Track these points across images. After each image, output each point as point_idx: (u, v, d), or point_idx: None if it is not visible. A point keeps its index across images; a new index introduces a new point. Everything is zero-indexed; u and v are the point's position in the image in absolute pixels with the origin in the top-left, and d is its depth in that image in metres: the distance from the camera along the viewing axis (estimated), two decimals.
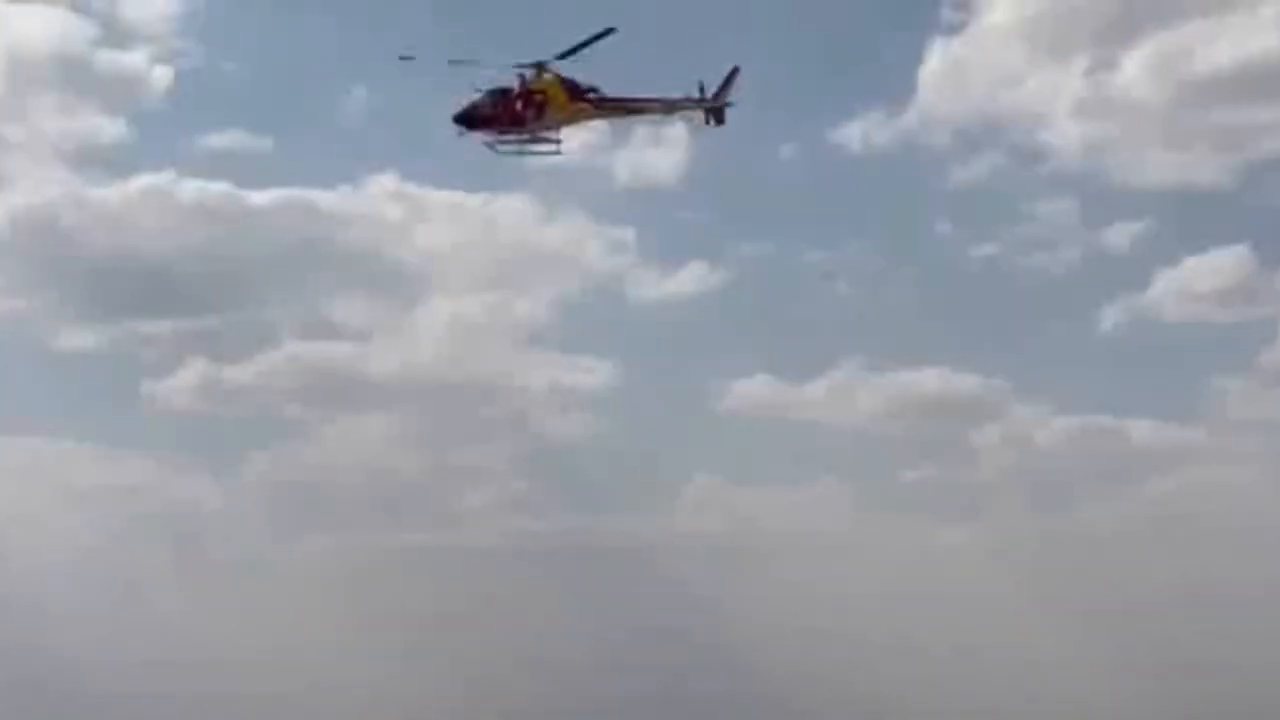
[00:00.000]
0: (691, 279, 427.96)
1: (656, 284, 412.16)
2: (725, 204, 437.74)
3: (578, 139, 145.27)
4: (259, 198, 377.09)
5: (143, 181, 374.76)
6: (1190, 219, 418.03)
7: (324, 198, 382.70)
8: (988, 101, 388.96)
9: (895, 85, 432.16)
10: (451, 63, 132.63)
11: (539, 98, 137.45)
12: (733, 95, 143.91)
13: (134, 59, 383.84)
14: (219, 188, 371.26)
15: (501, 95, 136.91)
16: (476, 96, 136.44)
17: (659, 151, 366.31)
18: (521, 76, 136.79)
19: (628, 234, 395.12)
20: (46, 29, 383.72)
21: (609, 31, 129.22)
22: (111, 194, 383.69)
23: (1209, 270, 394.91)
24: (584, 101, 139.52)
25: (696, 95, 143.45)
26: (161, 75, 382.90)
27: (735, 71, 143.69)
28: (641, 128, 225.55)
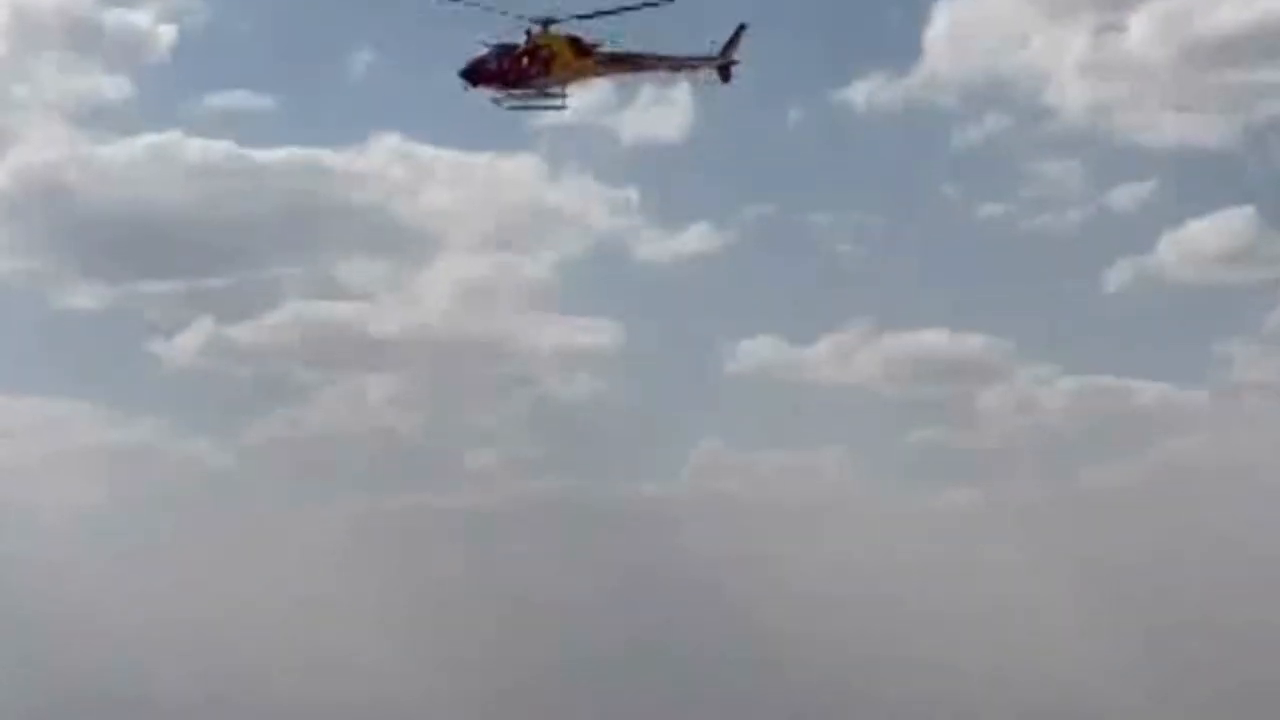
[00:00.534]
0: (696, 239, 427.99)
1: (661, 244, 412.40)
2: (730, 164, 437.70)
3: (583, 98, 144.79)
4: (264, 157, 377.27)
5: (147, 140, 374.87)
6: (1196, 180, 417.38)
7: (329, 157, 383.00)
8: (993, 62, 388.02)
9: (900, 46, 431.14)
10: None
11: (545, 54, 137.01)
12: (739, 54, 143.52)
13: (139, 17, 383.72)
14: (224, 147, 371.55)
15: (507, 51, 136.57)
16: (482, 52, 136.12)
17: (664, 111, 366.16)
18: (528, 32, 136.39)
19: (632, 194, 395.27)
20: None
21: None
22: (116, 153, 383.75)
23: (1215, 232, 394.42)
24: (590, 58, 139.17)
25: (703, 54, 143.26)
26: (166, 33, 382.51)
27: (742, 29, 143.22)
28: (647, 87, 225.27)
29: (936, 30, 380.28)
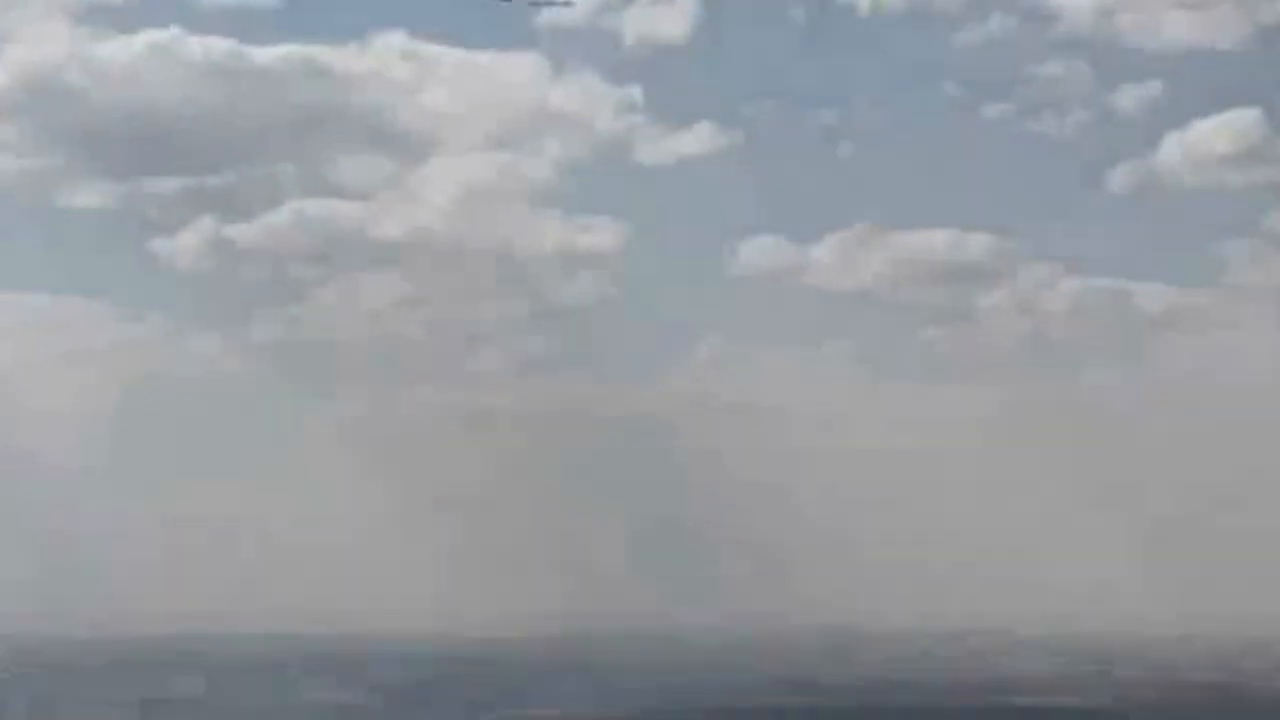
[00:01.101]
0: (699, 139, 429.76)
1: (664, 144, 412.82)
2: (733, 64, 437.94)
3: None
4: (265, 55, 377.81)
5: (147, 38, 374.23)
6: (1202, 82, 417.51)
7: (331, 55, 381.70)
8: None
9: None
10: None
11: None
12: None
13: None
14: (224, 45, 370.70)
15: None
16: None
17: (667, 11, 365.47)
18: None
19: (635, 94, 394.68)
20: None
21: None
22: (116, 50, 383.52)
23: (1220, 134, 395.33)
24: None
25: None
26: None
27: None
28: None
29: None
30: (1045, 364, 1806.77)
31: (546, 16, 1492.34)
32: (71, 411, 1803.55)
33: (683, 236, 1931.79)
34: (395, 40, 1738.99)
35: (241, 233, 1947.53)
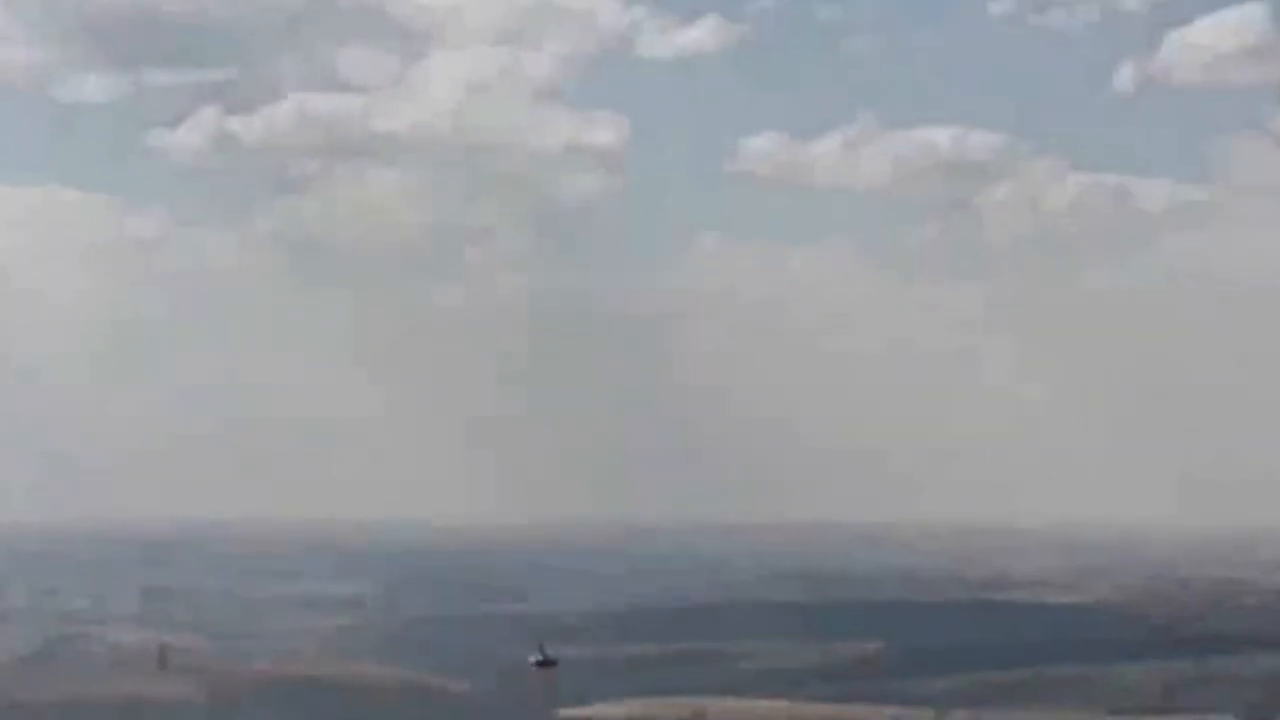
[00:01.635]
0: (705, 34, 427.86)
1: (669, 38, 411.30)
2: None
3: None
4: None
5: None
6: None
7: None
8: None
9: None
10: None
11: None
12: None
13: None
14: None
15: None
16: None
17: None
18: None
19: None
20: None
21: None
22: None
23: (1224, 31, 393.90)
24: None
25: None
26: None
27: None
28: None
29: None
30: (1047, 260, 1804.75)
31: None
32: (71, 302, 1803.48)
33: (685, 132, 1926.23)
34: None
35: (242, 126, 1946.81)
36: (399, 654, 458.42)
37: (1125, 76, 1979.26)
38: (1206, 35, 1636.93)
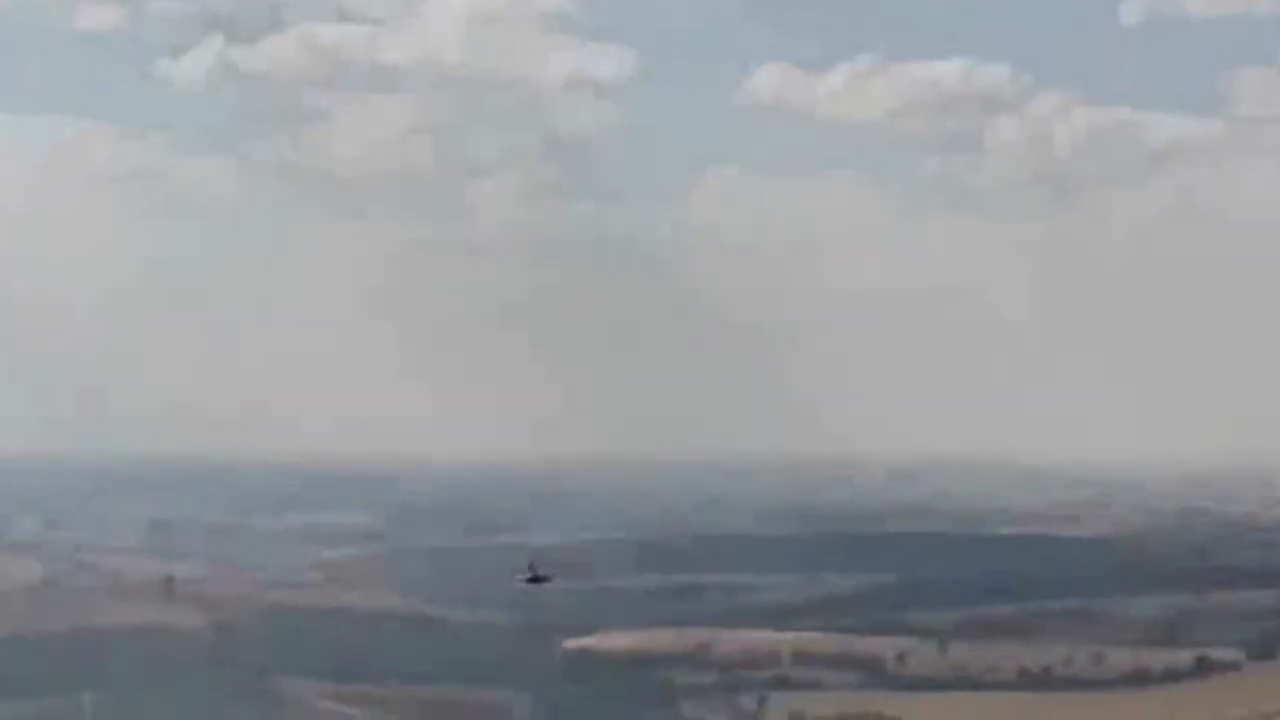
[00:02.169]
0: None
1: None
2: None
3: None
4: None
5: None
6: None
7: None
8: None
9: None
10: None
11: None
12: None
13: None
14: None
15: None
16: None
17: None
18: None
19: None
20: None
21: None
22: None
23: None
24: None
25: None
26: None
27: None
28: None
29: None
30: (1054, 195, 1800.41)
31: None
32: (75, 231, 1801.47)
33: (692, 65, 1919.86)
34: None
35: (247, 56, 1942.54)
36: (402, 585, 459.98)
37: (1133, 9, 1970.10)
38: None
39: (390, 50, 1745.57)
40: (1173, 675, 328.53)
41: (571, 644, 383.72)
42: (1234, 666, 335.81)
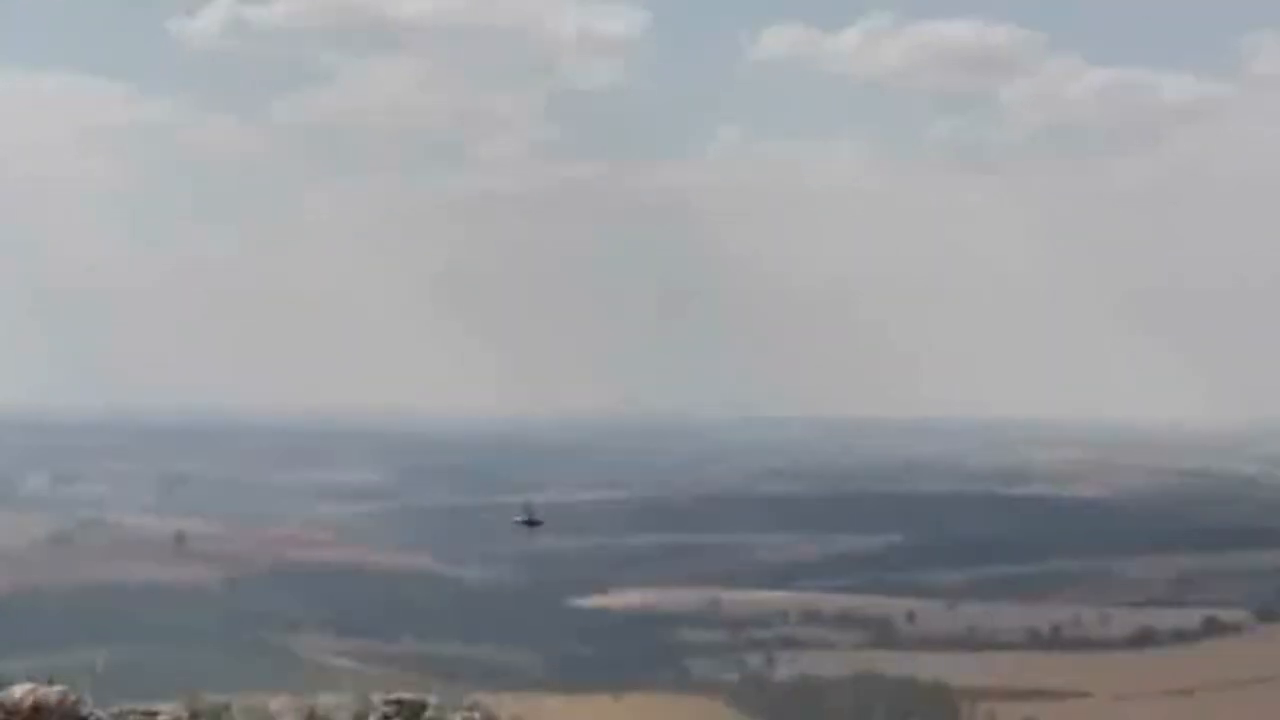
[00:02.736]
0: None
1: None
2: None
3: None
4: None
5: None
6: None
7: None
8: None
9: None
10: None
11: None
12: None
13: None
14: None
15: None
16: None
17: None
18: None
19: None
20: None
21: None
22: None
23: None
24: None
25: None
26: None
27: None
28: None
29: None
30: (1067, 154, 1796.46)
31: None
32: (89, 189, 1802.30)
33: (704, 21, 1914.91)
34: None
35: (259, 13, 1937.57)
36: (413, 542, 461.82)
37: None
38: None
39: (402, 5, 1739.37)
40: (1180, 636, 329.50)
41: (581, 602, 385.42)
42: (1241, 628, 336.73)
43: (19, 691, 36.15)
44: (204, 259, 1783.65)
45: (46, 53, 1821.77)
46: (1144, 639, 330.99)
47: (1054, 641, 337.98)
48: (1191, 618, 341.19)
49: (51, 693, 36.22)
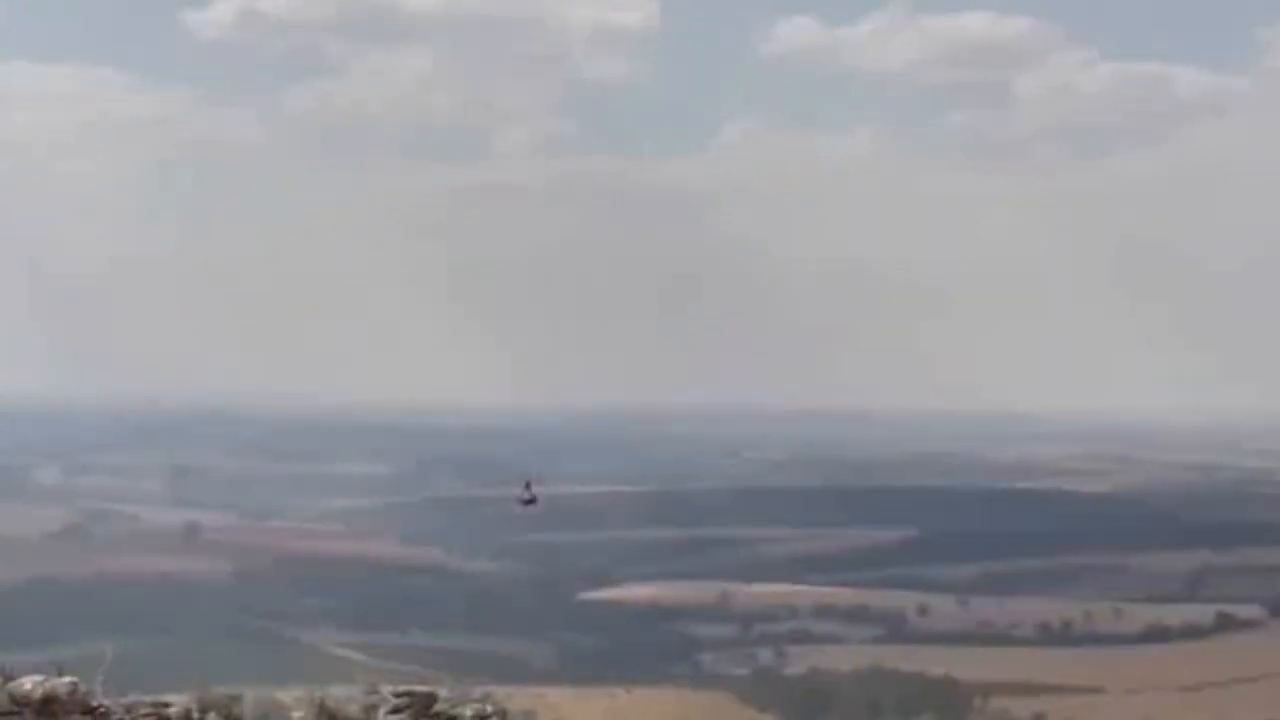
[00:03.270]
0: None
1: None
2: None
3: None
4: None
5: None
6: None
7: None
8: None
9: None
10: None
11: None
12: None
13: None
14: None
15: None
16: None
17: None
18: None
19: None
20: None
21: None
22: None
23: None
24: None
25: None
26: None
27: None
28: None
29: None
30: (1077, 149, 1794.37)
31: None
32: (101, 181, 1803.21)
33: (716, 14, 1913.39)
34: None
35: (271, 4, 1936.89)
36: (421, 534, 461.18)
37: None
38: None
39: None
40: (1193, 631, 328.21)
41: (591, 595, 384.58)
42: (1255, 623, 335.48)
43: (29, 683, 35.43)
44: (215, 250, 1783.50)
45: (57, 44, 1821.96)
46: (1157, 634, 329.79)
47: (1066, 637, 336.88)
48: (1205, 613, 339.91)
49: (62, 684, 35.49)
